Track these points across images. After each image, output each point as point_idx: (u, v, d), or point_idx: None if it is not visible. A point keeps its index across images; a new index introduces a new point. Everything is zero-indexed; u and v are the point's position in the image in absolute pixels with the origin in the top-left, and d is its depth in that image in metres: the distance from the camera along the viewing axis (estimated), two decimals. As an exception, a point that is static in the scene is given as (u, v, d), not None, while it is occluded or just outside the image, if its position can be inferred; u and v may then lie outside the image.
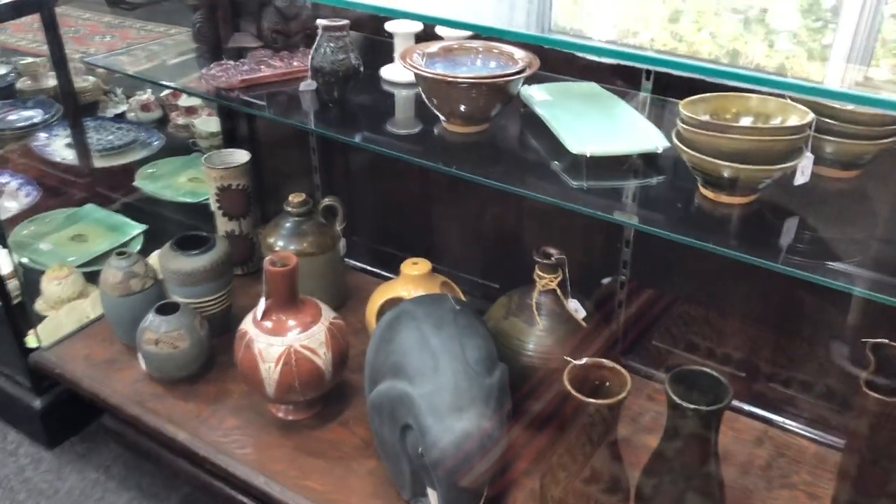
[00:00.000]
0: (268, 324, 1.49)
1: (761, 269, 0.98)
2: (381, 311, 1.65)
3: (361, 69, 1.34)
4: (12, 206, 2.51)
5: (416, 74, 1.22)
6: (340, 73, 1.31)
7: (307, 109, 1.37)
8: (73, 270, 2.09)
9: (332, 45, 1.30)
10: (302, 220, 1.79)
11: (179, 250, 1.71)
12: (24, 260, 2.20)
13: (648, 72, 1.36)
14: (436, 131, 1.29)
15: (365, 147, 1.28)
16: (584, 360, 1.19)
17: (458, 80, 1.18)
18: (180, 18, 3.48)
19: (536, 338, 1.47)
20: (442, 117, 1.27)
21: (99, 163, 2.74)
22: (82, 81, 3.25)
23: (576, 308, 1.49)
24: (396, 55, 1.44)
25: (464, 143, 1.26)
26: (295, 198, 1.78)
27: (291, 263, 1.47)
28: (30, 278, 2.15)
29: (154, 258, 2.19)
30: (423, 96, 1.25)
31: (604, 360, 1.19)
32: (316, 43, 1.31)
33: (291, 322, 1.49)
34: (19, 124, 2.98)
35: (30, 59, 3.29)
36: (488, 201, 1.78)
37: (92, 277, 2.18)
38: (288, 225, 1.80)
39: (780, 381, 1.53)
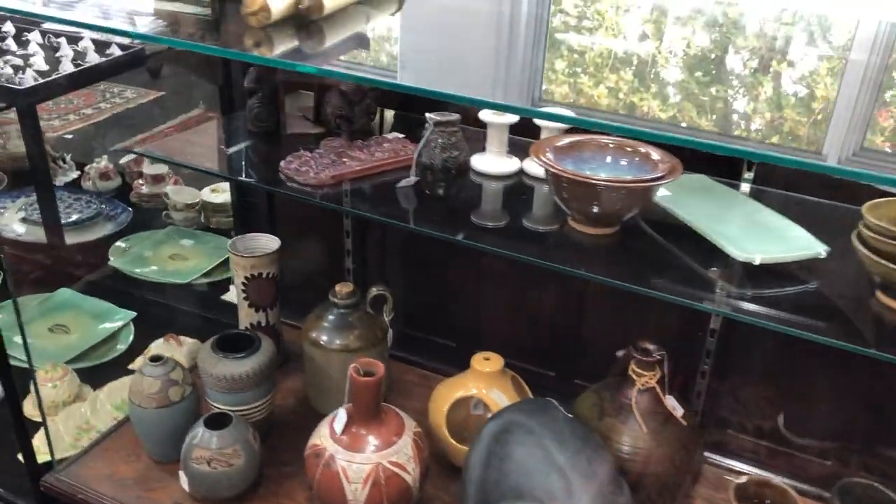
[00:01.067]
0: (350, 438, 1.35)
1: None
2: (452, 412, 1.53)
3: (471, 165, 1.25)
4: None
5: (549, 172, 1.14)
6: (452, 170, 1.21)
7: (407, 206, 1.26)
8: (67, 371, 1.86)
9: (442, 140, 1.20)
10: (349, 312, 1.66)
11: (221, 352, 1.54)
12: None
13: (750, 162, 1.33)
14: (560, 230, 1.21)
15: (485, 249, 1.18)
16: (744, 479, 1.12)
17: (599, 182, 1.10)
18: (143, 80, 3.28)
19: (637, 439, 1.39)
20: (569, 216, 1.19)
21: (63, 240, 2.49)
22: (21, 145, 2.98)
23: (674, 406, 1.43)
24: (490, 145, 1.36)
25: (593, 245, 1.18)
26: (342, 288, 1.65)
27: (378, 373, 1.34)
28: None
29: (159, 349, 1.98)
30: (554, 194, 1.17)
31: (770, 478, 1.13)
32: (425, 138, 1.21)
33: (376, 436, 1.35)
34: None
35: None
36: (541, 285, 1.71)
37: (83, 376, 1.96)
38: (332, 317, 1.66)
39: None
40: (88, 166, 2.83)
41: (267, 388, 1.58)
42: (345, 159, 1.33)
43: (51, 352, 2.01)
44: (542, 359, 1.76)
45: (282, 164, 1.32)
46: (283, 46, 1.09)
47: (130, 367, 1.99)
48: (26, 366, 1.91)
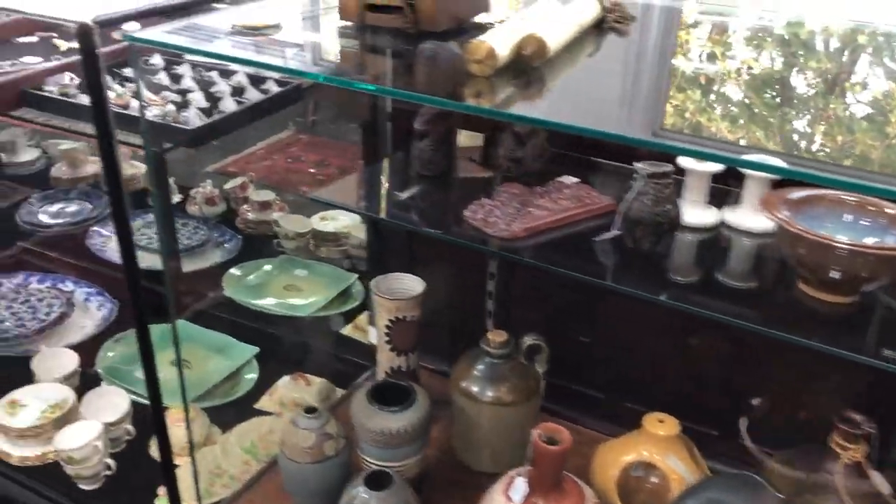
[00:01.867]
0: (530, 510, 1.24)
1: None
2: (623, 477, 1.42)
3: (681, 219, 1.13)
4: (87, 325, 2.19)
5: (784, 230, 1.02)
6: (664, 225, 1.10)
7: (605, 261, 1.15)
8: (198, 412, 1.79)
9: (654, 192, 1.09)
10: (502, 362, 1.55)
11: (377, 404, 1.44)
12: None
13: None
14: (786, 293, 1.09)
15: (698, 313, 1.07)
16: None
17: (850, 246, 0.99)
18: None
19: (841, 519, 1.26)
20: (798, 279, 1.07)
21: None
22: (129, 167, 2.95)
23: (881, 482, 1.29)
24: (689, 194, 1.24)
25: (826, 313, 1.06)
26: (496, 337, 1.54)
27: (564, 441, 1.23)
28: (137, 417, 1.84)
29: (280, 390, 1.90)
30: (785, 254, 1.05)
31: None
32: (635, 190, 1.10)
33: (557, 508, 1.25)
34: (66, 220, 2.66)
35: (68, 144, 2.98)
36: (705, 335, 1.58)
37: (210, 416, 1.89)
38: (483, 367, 1.56)
39: None
40: (194, 190, 2.78)
41: (422, 443, 1.48)
42: (530, 208, 1.22)
43: (171, 388, 1.94)
44: (702, 416, 1.63)
45: (466, 213, 1.22)
46: (501, 94, 1.00)
47: (257, 406, 1.92)
48: (147, 402, 1.86)
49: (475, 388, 1.55)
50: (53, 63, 1.56)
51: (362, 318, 2.17)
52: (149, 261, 2.45)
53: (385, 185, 1.46)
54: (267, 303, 2.24)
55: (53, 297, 2.23)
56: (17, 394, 1.80)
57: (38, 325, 2.12)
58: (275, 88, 1.41)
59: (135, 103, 1.44)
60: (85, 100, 1.45)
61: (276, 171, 3.37)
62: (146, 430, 1.79)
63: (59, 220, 2.65)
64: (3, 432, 1.74)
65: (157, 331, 2.16)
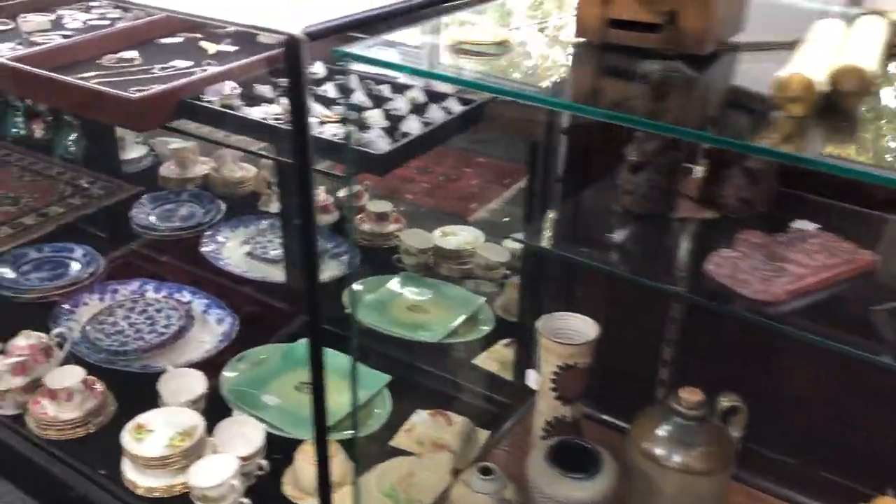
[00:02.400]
0: None
1: None
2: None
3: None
4: (206, 340, 2.06)
5: None
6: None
7: (889, 337, 0.96)
8: (338, 448, 1.64)
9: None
10: (694, 425, 1.37)
11: (559, 468, 1.27)
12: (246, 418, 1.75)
13: None
14: None
15: None
16: None
17: None
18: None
19: None
20: None
21: (282, 277, 2.31)
22: (238, 170, 2.84)
23: None
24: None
25: None
26: (690, 396, 1.36)
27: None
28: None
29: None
30: None
31: None
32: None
33: None
34: (178, 224, 2.55)
35: (178, 143, 2.88)
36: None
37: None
38: (671, 428, 1.37)
39: None
40: (307, 198, 2.64)
41: (606, 514, 1.31)
42: (782, 263, 1.04)
43: (303, 418, 1.80)
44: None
45: (709, 267, 1.04)
46: (814, 138, 0.82)
47: (393, 444, 1.77)
48: (280, 433, 1.72)
49: (660, 452, 1.36)
50: (211, 70, 1.42)
51: (498, 348, 2.00)
52: (265, 271, 2.34)
53: (553, 214, 1.28)
54: (394, 325, 2.09)
55: (171, 308, 2.12)
56: (144, 418, 1.68)
57: (157, 338, 2.00)
58: (457, 107, 1.26)
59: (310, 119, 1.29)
60: (252, 113, 1.30)
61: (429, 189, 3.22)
62: (278, 464, 1.66)
63: (172, 224, 2.54)
64: (131, 459, 1.62)
65: (279, 350, 2.04)
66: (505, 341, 2.01)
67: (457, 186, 3.42)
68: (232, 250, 2.44)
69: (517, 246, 2.29)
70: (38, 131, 3.08)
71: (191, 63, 1.51)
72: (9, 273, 2.24)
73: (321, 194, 2.63)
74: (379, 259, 2.43)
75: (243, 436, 1.65)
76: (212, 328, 2.10)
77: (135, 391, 1.85)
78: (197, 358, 1.95)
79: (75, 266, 2.32)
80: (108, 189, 3.03)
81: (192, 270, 2.36)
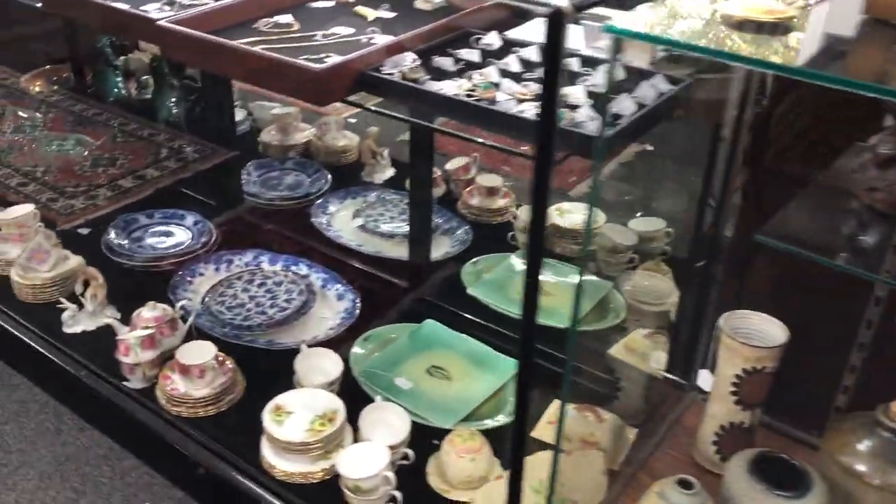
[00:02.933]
0: None
1: None
2: None
3: None
4: (327, 316, 1.99)
5: None
6: None
7: None
8: (484, 442, 1.56)
9: None
10: (902, 440, 1.26)
11: (766, 483, 1.17)
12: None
13: None
14: None
15: None
16: None
17: None
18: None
19: None
20: None
21: (395, 252, 2.22)
22: (341, 138, 2.74)
23: None
24: None
25: None
26: (899, 409, 1.25)
27: None
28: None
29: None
30: None
31: None
32: None
33: None
34: (286, 193, 2.47)
35: (280, 109, 2.79)
36: None
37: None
38: (876, 443, 1.26)
39: None
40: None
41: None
42: None
43: (438, 404, 1.72)
44: None
45: None
46: None
47: (535, 435, 1.68)
48: (417, 420, 1.64)
49: (862, 468, 1.26)
50: (386, 39, 1.31)
51: (637, 339, 1.89)
52: (378, 246, 2.25)
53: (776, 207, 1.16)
54: (513, 306, 1.99)
55: (291, 281, 2.04)
56: (282, 399, 1.61)
57: (279, 313, 1.93)
58: (664, 85, 1.14)
59: (501, 96, 1.18)
60: (444, 88, 1.19)
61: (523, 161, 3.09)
62: (421, 454, 1.58)
63: (280, 192, 2.47)
64: (270, 442, 1.56)
65: (406, 332, 1.95)
66: (644, 332, 1.90)
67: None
68: (343, 222, 2.36)
69: (649, 228, 2.18)
70: (133, 91, 3.02)
71: (353, 30, 1.41)
72: (121, 239, 2.18)
73: (430, 166, 2.53)
74: (489, 235, 2.33)
75: (385, 422, 1.58)
76: (332, 304, 2.02)
77: (261, 369, 1.78)
78: (322, 336, 1.88)
79: (186, 234, 2.26)
80: (202, 153, 2.96)
81: (302, 241, 2.28)
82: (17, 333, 1.91)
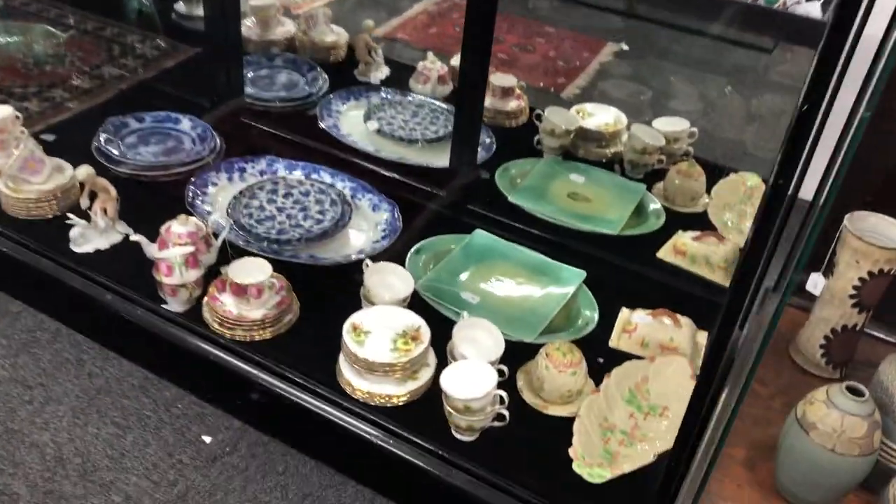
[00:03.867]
0: None
1: None
2: None
3: None
4: (364, 227, 1.84)
5: None
6: None
7: None
8: (581, 356, 1.48)
9: None
10: None
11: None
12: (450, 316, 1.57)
13: None
14: None
15: None
16: None
17: None
18: None
19: None
20: None
21: (414, 158, 2.07)
22: (329, 32, 2.51)
23: None
24: None
25: None
26: None
27: None
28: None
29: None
30: None
31: None
32: None
33: None
34: (288, 94, 2.25)
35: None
36: None
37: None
38: None
39: None
40: (421, 65, 2.37)
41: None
42: None
43: (513, 317, 1.63)
44: None
45: None
46: None
47: (613, 345, 1.62)
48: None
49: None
50: None
51: (685, 239, 1.85)
52: (398, 152, 2.08)
53: None
54: (558, 214, 1.90)
55: (319, 191, 1.87)
56: (357, 318, 1.48)
57: (316, 225, 1.77)
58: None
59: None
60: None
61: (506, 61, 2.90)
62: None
63: (276, 93, 2.24)
64: (353, 362, 1.43)
65: (456, 243, 1.82)
66: (693, 234, 1.87)
67: (533, 59, 3.17)
68: (351, 125, 2.17)
69: (675, 128, 2.12)
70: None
71: None
72: (114, 147, 1.92)
73: (437, 62, 2.36)
74: (506, 138, 2.21)
75: (474, 339, 1.48)
76: (366, 215, 1.87)
77: (308, 285, 1.63)
78: (369, 249, 1.73)
79: (186, 139, 2.02)
80: (161, 49, 2.67)
81: (314, 146, 2.09)
82: (14, 255, 1.67)
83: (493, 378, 1.34)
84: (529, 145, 2.15)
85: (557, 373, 1.43)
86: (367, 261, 1.59)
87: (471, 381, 1.34)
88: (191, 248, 1.53)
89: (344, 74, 2.41)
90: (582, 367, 1.46)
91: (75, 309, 1.65)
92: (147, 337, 1.55)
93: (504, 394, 1.35)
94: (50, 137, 2.05)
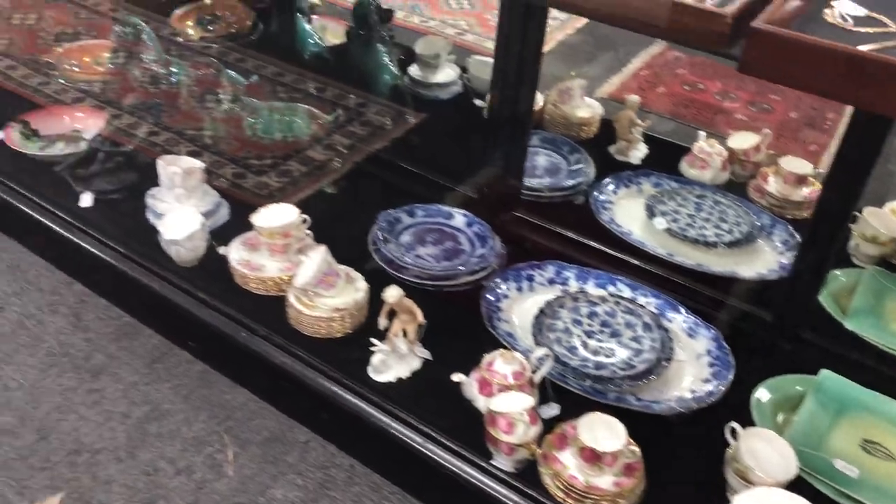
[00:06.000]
0: None
1: None
2: None
3: None
4: (683, 359, 1.58)
5: None
6: None
7: None
8: None
9: None
10: None
11: None
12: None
13: None
14: None
15: None
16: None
17: None
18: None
19: None
20: None
21: (714, 265, 1.79)
22: (582, 106, 2.28)
23: None
24: None
25: None
26: None
27: None
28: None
29: None
30: None
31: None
32: None
33: None
34: (549, 181, 2.02)
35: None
36: None
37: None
38: None
39: None
40: (698, 147, 2.09)
41: None
42: None
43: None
44: None
45: None
46: None
47: None
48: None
49: None
50: None
51: None
52: (692, 256, 1.82)
53: None
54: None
55: (626, 311, 1.63)
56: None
57: (634, 357, 1.53)
58: None
59: None
60: None
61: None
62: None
63: (545, 181, 2.03)
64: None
65: (802, 386, 1.54)
66: None
67: (771, 119, 2.85)
68: (630, 220, 1.92)
69: None
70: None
71: None
72: (393, 248, 1.73)
73: (714, 144, 2.10)
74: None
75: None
76: (681, 340, 1.62)
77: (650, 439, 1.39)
78: (700, 391, 1.48)
79: (463, 239, 1.82)
80: (384, 113, 2.45)
81: (596, 247, 1.85)
82: (302, 378, 1.49)
83: None
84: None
85: None
86: (737, 427, 1.33)
87: None
88: (531, 401, 1.32)
89: (597, 153, 2.17)
90: None
91: (376, 449, 1.46)
92: (472, 497, 1.34)
93: None
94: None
